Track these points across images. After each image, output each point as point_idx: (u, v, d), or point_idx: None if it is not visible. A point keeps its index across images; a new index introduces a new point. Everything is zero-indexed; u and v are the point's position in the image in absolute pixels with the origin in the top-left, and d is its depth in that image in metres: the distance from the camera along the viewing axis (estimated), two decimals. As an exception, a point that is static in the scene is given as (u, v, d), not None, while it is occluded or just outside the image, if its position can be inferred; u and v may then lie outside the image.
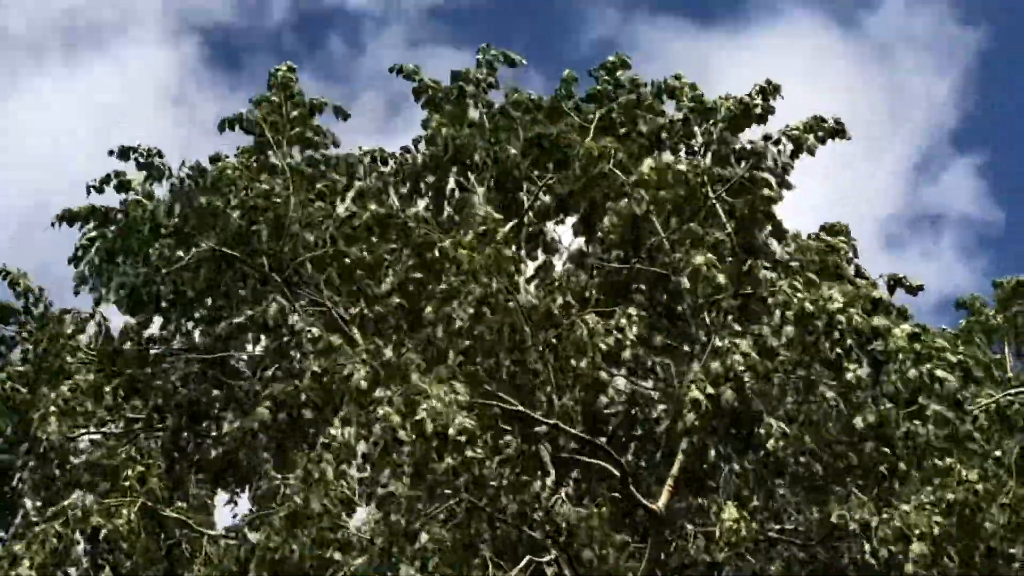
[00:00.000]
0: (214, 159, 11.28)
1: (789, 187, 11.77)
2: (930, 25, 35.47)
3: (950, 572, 9.84)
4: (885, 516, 9.55)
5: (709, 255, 10.13)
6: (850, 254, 11.47)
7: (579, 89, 12.64)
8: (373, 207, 10.68)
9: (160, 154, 11.34)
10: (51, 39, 36.98)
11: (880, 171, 30.87)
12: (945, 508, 9.64)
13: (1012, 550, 10.11)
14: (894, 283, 11.17)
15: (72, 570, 10.09)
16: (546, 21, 35.57)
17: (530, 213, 12.04)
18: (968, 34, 35.26)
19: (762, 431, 9.81)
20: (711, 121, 11.29)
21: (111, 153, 11.35)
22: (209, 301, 11.05)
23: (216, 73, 42.27)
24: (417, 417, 9.25)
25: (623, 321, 10.39)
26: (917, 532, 9.25)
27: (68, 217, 11.39)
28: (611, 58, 12.51)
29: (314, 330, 10.10)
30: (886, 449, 10.05)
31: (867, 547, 9.82)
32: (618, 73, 12.46)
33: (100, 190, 11.24)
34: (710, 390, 9.52)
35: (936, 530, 9.24)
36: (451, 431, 9.17)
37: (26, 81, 34.57)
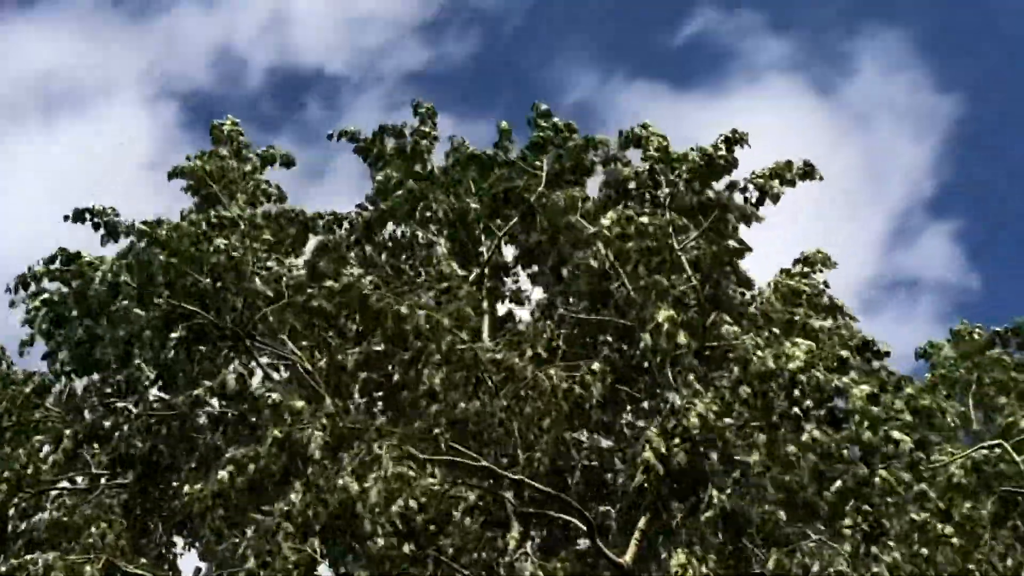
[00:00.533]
0: (157, 222, 10.84)
1: (759, 220, 11.33)
2: (906, 92, 35.43)
3: None
4: (863, 571, 9.40)
5: (671, 312, 10.01)
6: (821, 287, 11.29)
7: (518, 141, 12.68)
8: (330, 282, 10.48)
9: (116, 213, 11.14)
10: (29, 101, 36.71)
11: (856, 236, 30.78)
12: (923, 562, 9.69)
13: None
14: (863, 346, 10.86)
15: None
16: (525, 85, 35.22)
17: (488, 266, 11.94)
18: (944, 101, 35.30)
19: (713, 492, 9.67)
20: (675, 173, 11.09)
21: (66, 218, 11.13)
22: (170, 358, 10.69)
23: (195, 137, 41.69)
24: (367, 485, 9.14)
25: (588, 378, 10.25)
26: None
27: (23, 282, 11.10)
28: (542, 106, 12.34)
29: (274, 395, 9.97)
30: (859, 503, 9.68)
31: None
32: (553, 119, 12.31)
33: (50, 263, 10.92)
34: (663, 449, 9.35)
35: None
36: (416, 519, 9.11)
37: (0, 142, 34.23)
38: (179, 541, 11.49)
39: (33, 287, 11.07)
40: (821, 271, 11.74)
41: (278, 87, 37.34)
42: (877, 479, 9.39)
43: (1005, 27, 32.39)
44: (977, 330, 14.14)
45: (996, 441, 10.61)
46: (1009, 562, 10.38)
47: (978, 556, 10.34)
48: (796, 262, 11.84)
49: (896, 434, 9.35)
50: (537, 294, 12.29)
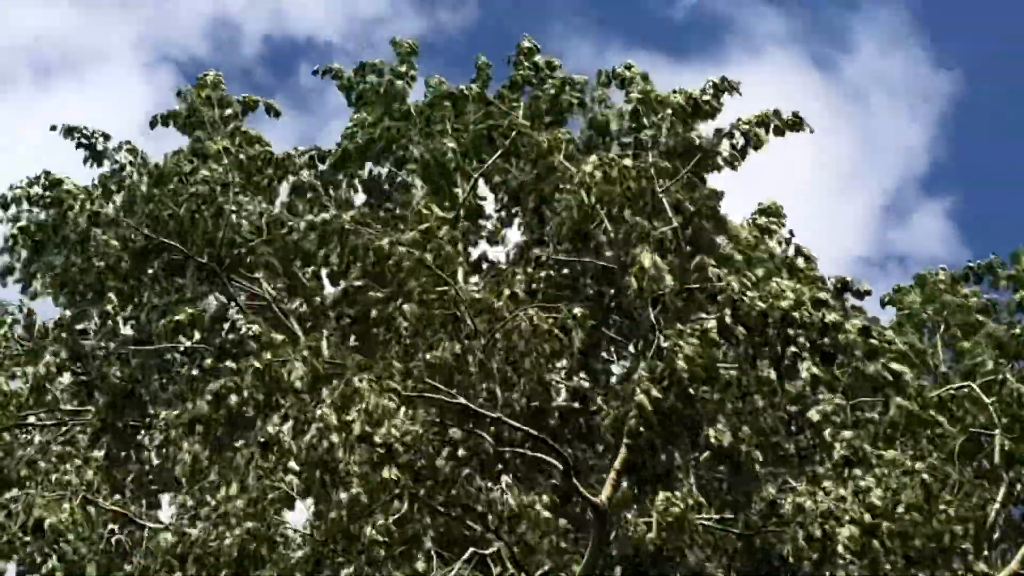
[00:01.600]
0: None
1: (735, 167, 11.45)
2: (904, 69, 35.84)
3: (880, 559, 10.05)
4: (819, 499, 9.67)
5: (655, 256, 10.10)
6: (786, 234, 11.47)
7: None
8: (310, 217, 10.68)
9: (107, 137, 11.31)
10: (21, 65, 36.69)
11: (850, 212, 31.30)
12: (889, 495, 9.90)
13: (964, 545, 10.46)
14: (842, 286, 11.26)
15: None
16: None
17: (464, 207, 11.98)
18: (942, 78, 35.69)
19: (709, 431, 9.89)
20: (659, 115, 11.19)
21: (53, 128, 11.22)
22: (146, 293, 10.92)
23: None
24: (348, 418, 9.28)
25: (569, 322, 10.39)
26: (847, 517, 9.42)
27: (3, 203, 11.24)
28: (525, 43, 12.51)
29: (255, 327, 10.10)
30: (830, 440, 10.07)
31: (801, 533, 9.85)
32: (535, 58, 12.48)
33: (32, 185, 11.03)
34: (655, 393, 9.57)
35: (867, 516, 9.42)
36: (395, 445, 9.19)
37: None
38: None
39: (13, 209, 11.10)
40: (783, 223, 11.81)
41: (272, 55, 37.34)
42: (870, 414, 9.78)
43: (1004, 4, 32.51)
44: (941, 272, 14.29)
45: (965, 383, 11.03)
46: (975, 499, 10.55)
47: (945, 493, 10.48)
48: (758, 212, 11.84)
49: (895, 365, 9.65)
50: (516, 236, 12.33)
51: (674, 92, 11.39)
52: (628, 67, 11.83)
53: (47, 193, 11.08)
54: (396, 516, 9.76)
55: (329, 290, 11.39)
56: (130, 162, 11.08)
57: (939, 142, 33.63)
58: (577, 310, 10.80)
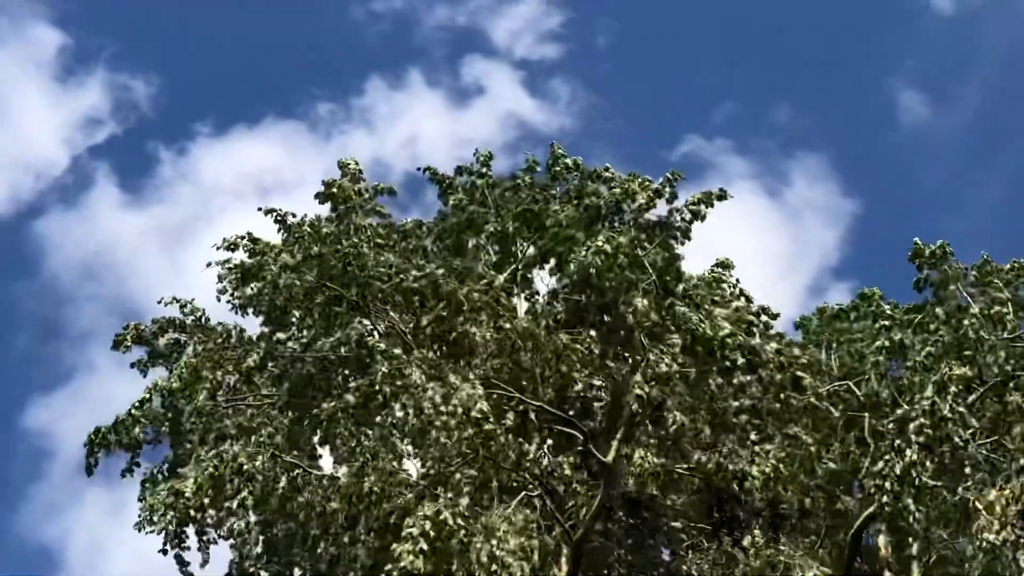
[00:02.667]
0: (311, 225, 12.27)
1: (688, 237, 12.61)
2: (824, 196, 40.06)
3: (785, 499, 11.49)
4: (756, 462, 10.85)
5: (643, 299, 10.99)
6: (734, 281, 12.47)
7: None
8: (415, 272, 11.69)
9: (293, 215, 12.45)
10: (247, 188, 39.84)
11: (785, 290, 35.07)
12: (786, 458, 11.09)
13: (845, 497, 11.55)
14: (760, 311, 12.12)
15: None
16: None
17: (520, 263, 13.08)
18: (849, 203, 39.82)
19: (676, 414, 10.80)
20: (634, 202, 12.34)
21: (259, 209, 12.52)
22: (316, 317, 12.05)
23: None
24: (453, 402, 10.21)
25: (588, 340, 11.40)
26: (758, 470, 10.71)
27: (228, 246, 12.35)
28: (559, 150, 13.91)
29: (382, 344, 11.00)
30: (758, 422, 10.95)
31: (745, 484, 11.07)
32: (566, 160, 13.69)
33: (234, 247, 12.25)
34: (647, 389, 10.48)
35: (773, 472, 10.70)
36: (473, 412, 10.14)
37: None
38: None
39: (230, 254, 12.26)
40: (731, 273, 12.80)
41: (408, 184, 39.34)
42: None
43: (895, 151, 38.09)
44: (836, 306, 15.43)
45: (843, 381, 12.21)
46: (849, 460, 11.61)
47: (827, 457, 11.72)
48: (716, 265, 12.85)
49: (800, 373, 10.65)
50: (549, 284, 13.38)
51: (639, 185, 12.44)
52: (607, 169, 13.06)
53: (253, 245, 12.23)
54: (475, 467, 10.65)
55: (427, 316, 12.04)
56: (314, 227, 12.13)
57: (846, 245, 37.50)
58: (592, 332, 11.80)
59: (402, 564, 9.32)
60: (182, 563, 11.73)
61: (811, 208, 41.10)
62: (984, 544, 9.90)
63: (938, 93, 38.76)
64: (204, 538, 11.48)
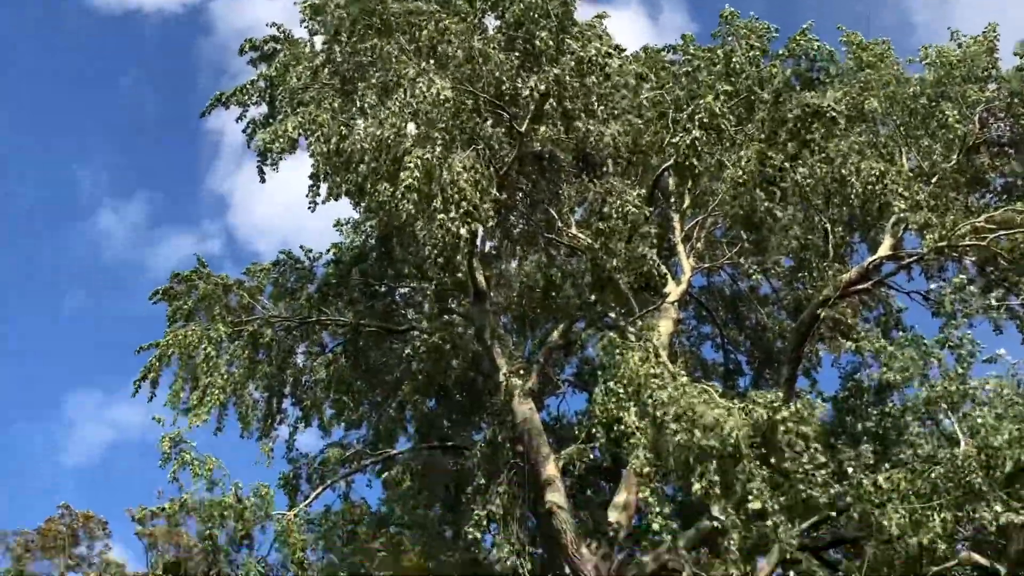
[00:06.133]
0: None
1: None
2: None
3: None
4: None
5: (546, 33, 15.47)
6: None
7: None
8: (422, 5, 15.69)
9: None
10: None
11: None
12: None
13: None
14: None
15: None
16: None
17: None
18: None
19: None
20: None
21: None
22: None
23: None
24: (432, 90, 15.70)
25: (514, 57, 15.89)
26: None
27: None
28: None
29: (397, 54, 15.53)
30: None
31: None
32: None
33: None
34: (546, 84, 16.22)
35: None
36: (441, 96, 16.14)
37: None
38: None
39: None
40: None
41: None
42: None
43: None
44: None
45: None
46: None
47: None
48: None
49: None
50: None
51: None
52: None
53: None
54: (443, 130, 15.49)
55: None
56: None
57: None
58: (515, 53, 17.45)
59: (405, 183, 13.76)
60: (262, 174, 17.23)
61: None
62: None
63: None
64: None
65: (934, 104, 15.94)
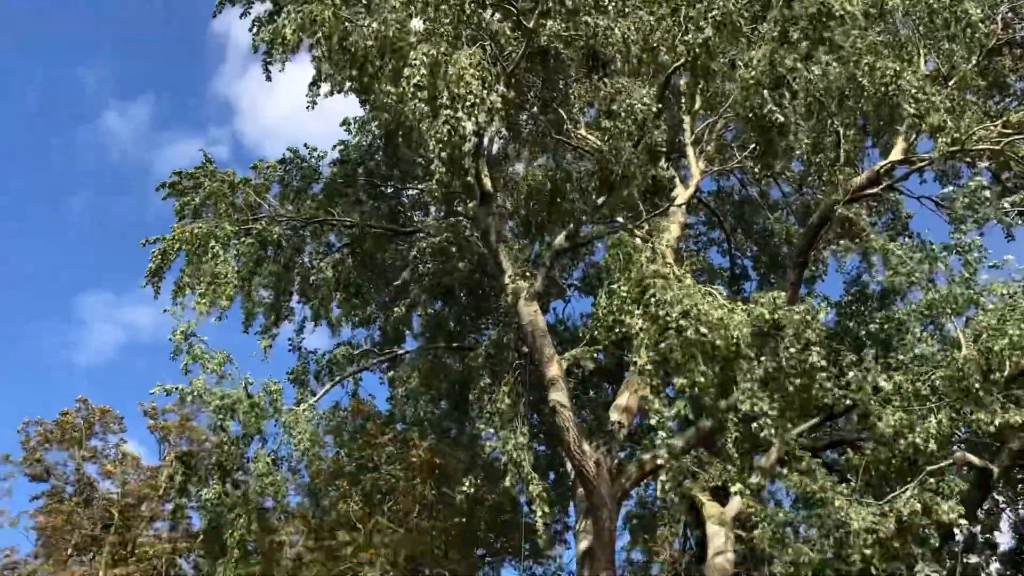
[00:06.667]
0: None
1: None
2: None
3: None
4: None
5: None
6: None
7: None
8: None
9: None
10: None
11: None
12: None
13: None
14: None
15: None
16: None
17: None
18: None
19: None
20: None
21: None
22: None
23: None
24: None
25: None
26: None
27: None
28: None
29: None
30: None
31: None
32: None
33: None
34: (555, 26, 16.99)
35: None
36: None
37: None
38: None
39: None
40: None
41: None
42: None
43: None
44: None
45: None
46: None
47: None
48: None
49: None
50: None
51: None
52: None
53: None
54: (445, 32, 17.60)
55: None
56: None
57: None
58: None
59: (413, 81, 13.55)
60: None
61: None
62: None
63: None
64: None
65: (957, 2, 15.40)
